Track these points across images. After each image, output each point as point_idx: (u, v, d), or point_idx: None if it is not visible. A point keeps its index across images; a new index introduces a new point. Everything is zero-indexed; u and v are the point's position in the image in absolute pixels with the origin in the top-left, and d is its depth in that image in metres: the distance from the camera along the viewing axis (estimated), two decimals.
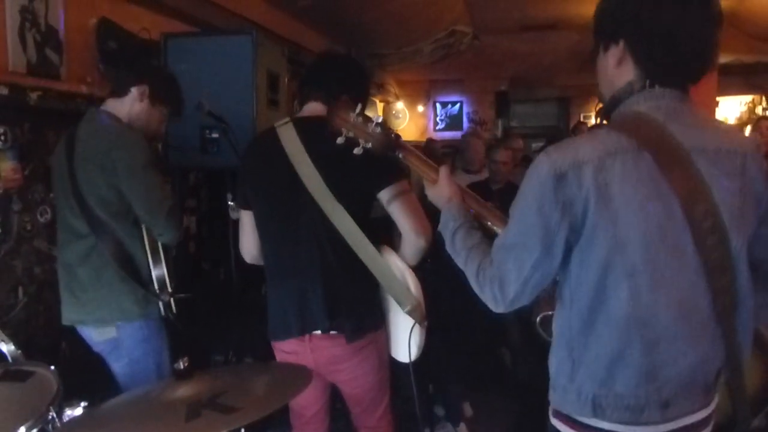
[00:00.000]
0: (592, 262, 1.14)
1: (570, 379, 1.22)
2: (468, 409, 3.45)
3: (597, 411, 1.18)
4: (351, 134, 1.52)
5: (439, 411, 3.37)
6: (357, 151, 1.53)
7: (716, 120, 1.32)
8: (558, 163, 1.13)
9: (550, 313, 1.46)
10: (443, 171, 1.51)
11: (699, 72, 1.21)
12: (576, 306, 1.19)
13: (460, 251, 1.34)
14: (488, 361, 4.12)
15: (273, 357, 2.01)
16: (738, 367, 1.21)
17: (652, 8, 1.16)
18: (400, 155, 1.54)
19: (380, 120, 1.53)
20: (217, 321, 3.19)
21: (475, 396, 3.77)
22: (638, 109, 1.19)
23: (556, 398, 1.27)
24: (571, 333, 1.21)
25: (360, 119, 1.52)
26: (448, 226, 1.40)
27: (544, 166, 1.15)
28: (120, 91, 2.13)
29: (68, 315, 2.13)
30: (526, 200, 1.18)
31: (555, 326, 1.28)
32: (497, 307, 1.24)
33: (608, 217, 1.11)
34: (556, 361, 1.26)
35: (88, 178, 1.99)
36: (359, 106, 1.54)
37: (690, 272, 1.14)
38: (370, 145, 1.52)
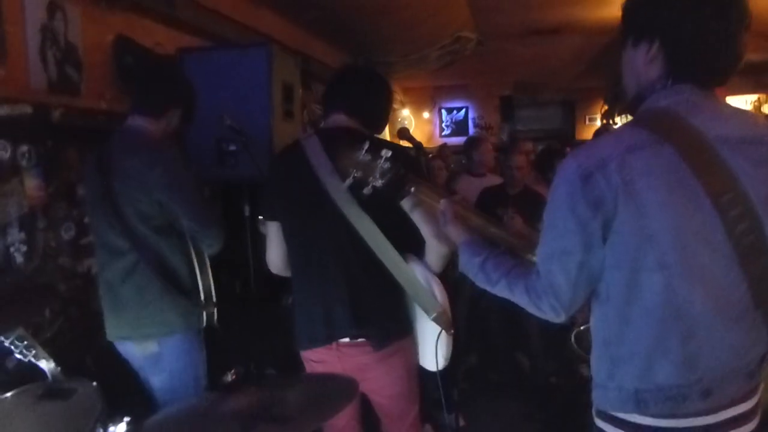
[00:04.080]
0: (624, 257, 1.15)
1: (609, 375, 1.22)
2: (460, 420, 3.42)
3: (640, 406, 1.18)
4: (359, 174, 1.48)
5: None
6: (366, 191, 1.49)
7: (741, 110, 1.32)
8: (584, 164, 1.15)
9: (582, 328, 1.47)
10: (445, 206, 1.46)
11: (730, 75, 1.23)
12: (611, 301, 1.20)
13: (498, 280, 1.32)
14: (505, 365, 4.12)
15: (296, 368, 2.02)
16: None
17: (694, 12, 1.17)
18: (412, 190, 1.50)
19: (389, 155, 1.48)
20: (236, 333, 3.18)
21: (491, 400, 3.77)
22: (659, 104, 1.21)
23: (598, 397, 1.27)
24: (608, 329, 1.22)
25: (368, 157, 1.47)
26: (473, 263, 1.38)
27: (570, 168, 1.17)
28: (155, 113, 2.15)
29: (112, 331, 2.14)
30: (557, 205, 1.19)
31: (592, 324, 1.29)
32: (558, 316, 1.24)
33: (635, 212, 1.12)
34: (595, 359, 1.27)
35: (127, 195, 2.00)
36: (367, 143, 1.49)
37: (722, 260, 1.14)
38: (379, 183, 1.47)
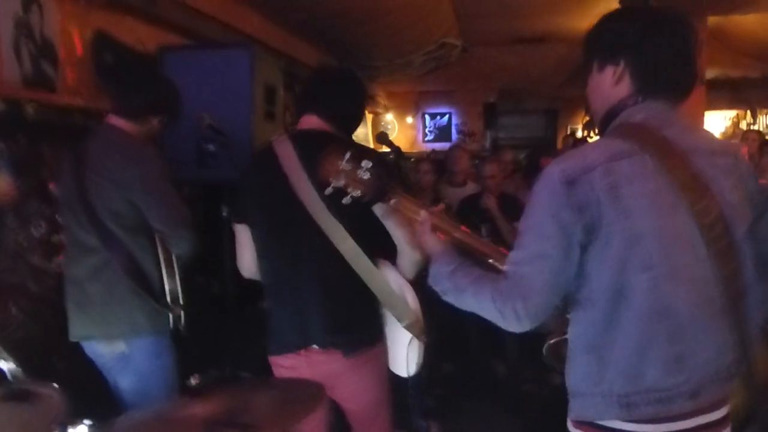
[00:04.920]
0: (610, 260, 1.18)
1: (597, 382, 1.23)
2: (433, 427, 3.43)
3: (629, 410, 1.19)
4: (339, 183, 1.45)
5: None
6: (345, 200, 1.46)
7: (701, 126, 1.41)
8: (568, 171, 1.19)
9: (554, 340, 1.47)
10: (423, 217, 1.44)
11: (690, 91, 1.32)
12: (597, 306, 1.22)
13: (465, 287, 1.30)
14: (481, 372, 4.12)
15: (271, 372, 1.99)
16: (751, 356, 1.25)
17: (653, 34, 1.26)
18: (392, 201, 1.47)
19: (370, 165, 1.45)
20: (212, 335, 3.15)
21: (467, 406, 3.78)
22: (634, 120, 1.27)
23: (578, 407, 1.27)
24: (594, 334, 1.23)
25: (349, 166, 1.44)
26: (443, 272, 1.36)
27: (554, 175, 1.20)
28: (138, 118, 2.13)
29: (76, 331, 2.10)
30: (538, 209, 1.21)
31: (573, 333, 1.29)
32: (521, 324, 1.22)
33: (621, 215, 1.16)
34: (577, 368, 1.27)
35: (100, 193, 1.99)
36: (348, 153, 1.46)
37: (701, 262, 1.19)
38: (359, 192, 1.45)
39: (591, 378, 1.24)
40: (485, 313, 1.26)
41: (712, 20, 5.16)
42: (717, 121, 8.27)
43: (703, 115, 5.30)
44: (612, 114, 1.31)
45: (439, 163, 4.79)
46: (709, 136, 1.34)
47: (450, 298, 1.34)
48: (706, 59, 4.98)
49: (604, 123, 1.34)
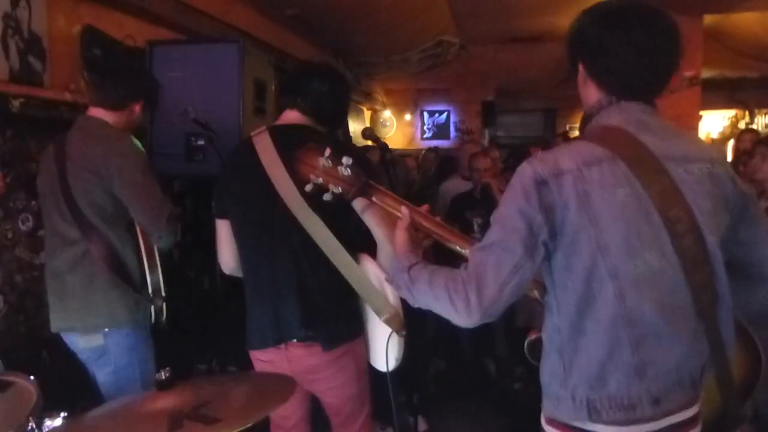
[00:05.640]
0: (577, 266, 1.18)
1: (563, 384, 1.24)
2: (422, 424, 3.43)
3: (592, 414, 1.20)
4: (319, 181, 1.44)
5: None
6: (326, 197, 1.45)
7: (683, 131, 1.38)
8: (539, 171, 1.19)
9: (534, 337, 1.48)
10: (404, 213, 1.42)
11: (659, 89, 1.29)
12: (564, 311, 1.22)
13: (420, 277, 1.27)
14: (473, 371, 4.13)
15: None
16: (725, 363, 1.25)
17: (612, 32, 1.23)
18: (373, 198, 1.46)
19: (350, 162, 1.43)
20: (201, 329, 3.16)
21: (459, 406, 3.78)
22: (610, 122, 1.26)
23: (549, 406, 1.28)
24: (561, 338, 1.24)
25: (329, 163, 1.43)
26: (402, 265, 1.34)
27: (527, 172, 1.20)
28: (118, 106, 2.13)
29: (57, 323, 2.12)
30: (509, 204, 1.21)
31: (545, 335, 1.30)
32: (470, 315, 1.17)
33: (590, 222, 1.16)
34: (548, 369, 1.28)
35: (81, 185, 2.00)
36: (328, 150, 1.44)
37: (670, 270, 1.19)
38: (339, 190, 1.43)
39: (558, 378, 1.25)
40: (438, 303, 1.23)
41: (709, 19, 5.15)
42: (715, 121, 8.25)
43: (698, 115, 5.29)
44: (589, 115, 1.31)
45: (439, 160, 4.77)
46: (686, 140, 1.30)
47: (405, 293, 1.32)
48: (703, 59, 4.97)
49: (583, 124, 1.34)
